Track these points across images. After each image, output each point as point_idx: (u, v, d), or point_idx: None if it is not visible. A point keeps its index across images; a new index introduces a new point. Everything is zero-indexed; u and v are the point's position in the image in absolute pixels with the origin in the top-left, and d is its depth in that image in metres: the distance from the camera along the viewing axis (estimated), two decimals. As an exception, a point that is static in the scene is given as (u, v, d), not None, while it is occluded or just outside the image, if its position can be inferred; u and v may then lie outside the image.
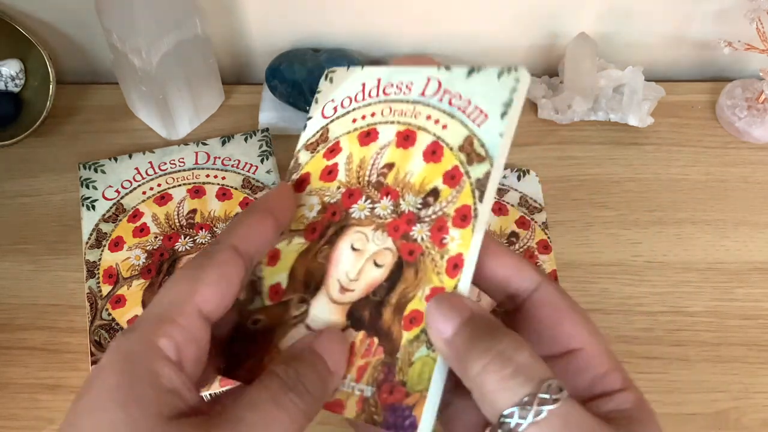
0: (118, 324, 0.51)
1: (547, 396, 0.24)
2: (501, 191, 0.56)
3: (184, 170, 0.59)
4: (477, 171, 0.35)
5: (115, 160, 0.59)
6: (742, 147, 0.62)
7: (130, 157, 0.59)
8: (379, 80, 0.40)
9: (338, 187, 0.38)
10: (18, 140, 0.60)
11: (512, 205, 0.56)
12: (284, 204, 0.33)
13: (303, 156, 0.39)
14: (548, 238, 0.54)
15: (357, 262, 0.36)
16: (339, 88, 0.40)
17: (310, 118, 0.39)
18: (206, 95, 0.62)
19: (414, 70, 0.40)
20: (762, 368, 0.51)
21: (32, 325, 0.53)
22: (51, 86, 0.61)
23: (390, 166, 0.38)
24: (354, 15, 0.63)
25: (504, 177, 0.57)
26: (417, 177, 0.36)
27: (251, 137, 0.60)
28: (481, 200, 0.34)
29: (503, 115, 0.38)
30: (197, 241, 0.55)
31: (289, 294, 0.35)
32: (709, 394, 0.50)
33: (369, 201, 0.37)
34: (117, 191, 0.57)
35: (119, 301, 0.52)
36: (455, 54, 0.66)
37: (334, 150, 0.39)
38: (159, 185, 0.58)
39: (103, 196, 0.57)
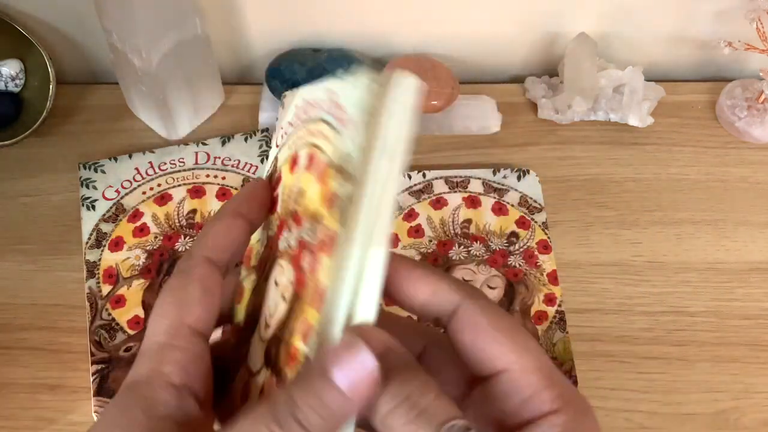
0: (118, 324, 0.51)
1: None
2: (501, 191, 0.57)
3: (184, 170, 0.59)
4: (344, 190, 0.29)
5: (115, 160, 0.59)
6: (742, 147, 0.62)
7: (130, 157, 0.59)
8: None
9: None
10: (18, 140, 0.60)
11: (512, 205, 0.56)
12: (255, 201, 0.32)
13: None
14: (548, 238, 0.54)
15: (275, 297, 0.32)
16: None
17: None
18: (206, 95, 0.62)
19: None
20: (762, 368, 0.51)
21: (32, 325, 0.53)
22: (51, 86, 0.61)
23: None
24: (354, 15, 0.63)
25: (504, 177, 0.57)
26: (311, 200, 0.31)
27: (251, 137, 0.60)
28: (343, 224, 0.28)
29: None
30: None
31: (245, 332, 0.33)
32: (709, 394, 0.50)
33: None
34: (117, 191, 0.57)
35: (119, 301, 0.52)
36: (455, 54, 0.66)
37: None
38: (159, 185, 0.58)
39: (103, 196, 0.57)
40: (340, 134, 0.30)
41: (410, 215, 0.55)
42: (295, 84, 0.61)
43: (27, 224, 0.58)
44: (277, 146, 0.36)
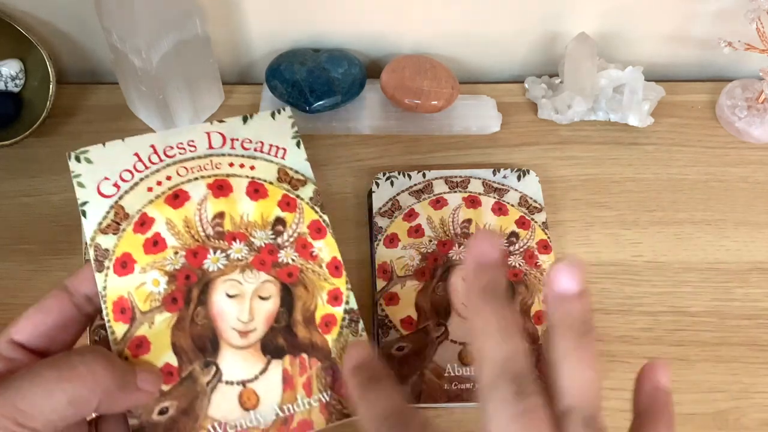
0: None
1: None
2: (501, 191, 0.57)
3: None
4: (305, 192, 0.41)
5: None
6: (742, 147, 0.62)
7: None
8: (153, 147, 0.42)
9: (176, 253, 0.39)
10: (18, 140, 0.60)
11: (512, 205, 0.56)
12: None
13: (105, 240, 0.39)
14: (548, 238, 0.54)
15: (242, 305, 0.38)
16: (104, 165, 0.41)
17: (85, 203, 0.40)
18: (206, 95, 0.62)
19: (186, 129, 0.42)
20: (762, 368, 0.51)
21: (32, 325, 0.53)
22: (51, 86, 0.61)
23: (220, 215, 0.40)
24: (354, 15, 0.63)
25: (504, 177, 0.57)
26: (254, 215, 0.40)
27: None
28: (323, 211, 0.40)
29: (298, 144, 0.42)
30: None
31: (186, 368, 0.37)
32: (709, 394, 0.50)
33: (219, 251, 0.39)
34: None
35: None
36: (455, 54, 0.66)
37: (145, 222, 0.39)
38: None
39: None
40: (259, 158, 0.42)
41: (410, 215, 0.55)
42: (295, 84, 0.61)
43: (27, 224, 0.58)
44: (105, 196, 0.40)
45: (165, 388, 0.36)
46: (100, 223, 0.40)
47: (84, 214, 0.40)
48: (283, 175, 0.42)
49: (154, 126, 0.62)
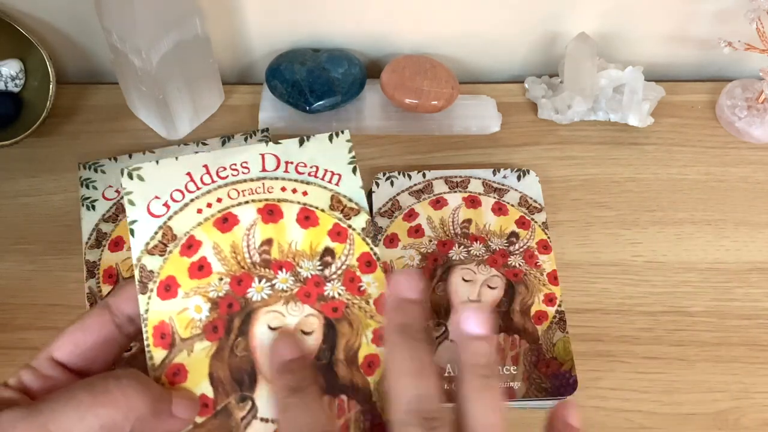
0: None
1: None
2: (501, 191, 0.57)
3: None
4: (358, 222, 0.39)
5: (115, 160, 0.59)
6: (742, 147, 0.62)
7: (130, 156, 0.59)
8: (206, 167, 0.39)
9: (220, 279, 0.37)
10: (18, 140, 0.60)
11: (512, 205, 0.56)
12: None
13: (151, 261, 0.37)
14: (548, 238, 0.54)
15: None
16: (156, 183, 0.39)
17: (134, 221, 0.38)
18: (206, 95, 0.62)
19: (240, 150, 0.40)
20: (762, 368, 0.51)
21: (32, 325, 0.53)
22: (51, 86, 0.61)
23: (268, 242, 0.38)
24: (354, 15, 0.63)
25: (504, 177, 0.57)
26: (303, 243, 0.38)
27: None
28: (375, 244, 0.38)
29: (354, 170, 0.40)
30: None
31: (222, 400, 0.35)
32: (709, 394, 0.50)
33: (264, 280, 0.37)
34: (117, 191, 0.57)
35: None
36: (455, 54, 0.66)
37: (192, 245, 0.38)
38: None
39: (103, 197, 0.57)
40: (312, 184, 0.40)
41: (410, 215, 0.55)
42: (295, 84, 0.61)
43: (27, 224, 0.58)
44: (155, 216, 0.39)
45: (199, 420, 0.35)
46: (148, 243, 0.38)
47: (132, 233, 0.38)
48: (336, 203, 0.40)
49: (154, 126, 0.62)
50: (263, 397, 0.35)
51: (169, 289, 0.37)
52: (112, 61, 0.59)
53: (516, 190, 0.57)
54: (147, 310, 0.37)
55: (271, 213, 0.39)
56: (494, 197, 0.56)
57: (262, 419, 0.35)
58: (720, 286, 0.54)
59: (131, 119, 0.63)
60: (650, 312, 0.53)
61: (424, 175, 0.57)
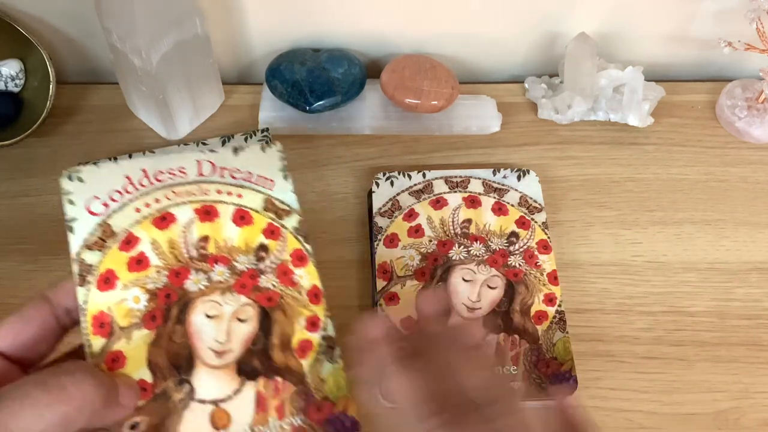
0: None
1: None
2: (501, 191, 0.56)
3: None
4: (290, 222, 0.42)
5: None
6: (742, 147, 0.62)
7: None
8: (144, 171, 0.42)
9: (158, 272, 0.40)
10: (18, 140, 0.60)
11: (512, 205, 0.56)
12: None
13: (90, 256, 0.40)
14: (548, 238, 0.54)
15: (220, 326, 0.39)
16: (95, 185, 0.42)
17: (73, 219, 0.41)
18: (206, 95, 0.62)
19: (177, 156, 0.43)
20: (762, 368, 0.51)
21: (32, 325, 0.53)
22: (51, 86, 0.61)
23: (205, 239, 0.41)
24: (354, 15, 0.63)
25: (504, 177, 0.57)
26: (238, 240, 0.41)
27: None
28: (307, 242, 0.41)
29: (285, 177, 0.43)
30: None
31: (160, 384, 0.37)
32: (709, 394, 0.50)
33: (201, 273, 0.40)
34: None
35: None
36: (455, 54, 0.66)
37: (131, 241, 0.41)
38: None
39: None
40: (246, 188, 0.43)
41: (410, 215, 0.55)
42: (295, 84, 0.61)
43: (27, 224, 0.58)
44: (94, 214, 0.42)
45: (139, 403, 0.37)
46: (87, 239, 0.41)
47: (71, 230, 0.41)
48: (270, 205, 0.43)
49: (154, 126, 0.62)
50: (201, 380, 0.38)
51: (108, 281, 0.40)
52: (112, 61, 0.59)
53: (516, 190, 0.57)
54: (86, 301, 0.39)
55: (207, 213, 0.42)
56: (494, 197, 0.56)
57: (200, 401, 0.37)
58: (720, 286, 0.54)
59: (131, 119, 0.63)
60: (650, 312, 0.53)
61: (424, 175, 0.57)
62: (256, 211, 0.43)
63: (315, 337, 0.40)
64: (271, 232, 0.43)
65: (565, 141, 0.62)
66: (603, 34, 0.64)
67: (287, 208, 0.43)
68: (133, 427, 0.36)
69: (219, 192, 0.43)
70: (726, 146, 0.62)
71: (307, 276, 0.41)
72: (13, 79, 0.62)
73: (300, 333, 0.40)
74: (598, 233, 0.57)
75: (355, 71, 0.62)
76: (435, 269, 0.52)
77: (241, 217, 0.43)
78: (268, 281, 0.41)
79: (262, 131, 0.61)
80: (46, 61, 0.61)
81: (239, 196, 0.43)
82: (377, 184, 0.57)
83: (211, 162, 0.44)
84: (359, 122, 0.62)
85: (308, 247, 0.42)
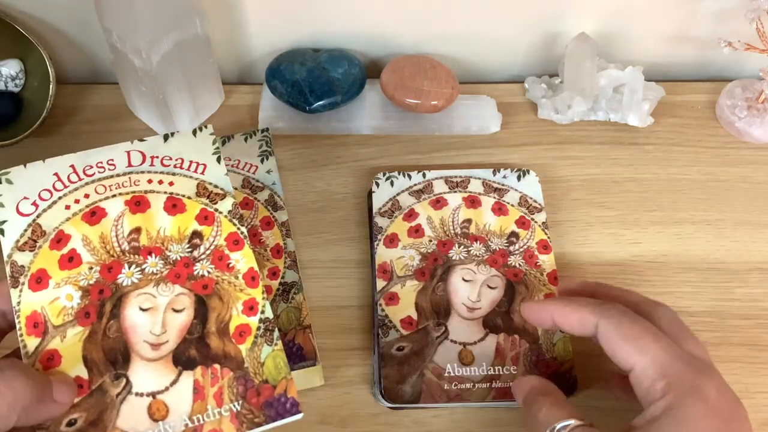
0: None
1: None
2: (501, 191, 0.56)
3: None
4: (224, 206, 0.42)
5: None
6: (742, 147, 0.62)
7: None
8: (73, 166, 0.43)
9: (90, 268, 0.40)
10: (18, 140, 0.60)
11: (512, 205, 0.56)
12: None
13: (21, 257, 0.40)
14: (548, 238, 0.54)
15: (155, 318, 0.39)
16: (24, 185, 0.42)
17: (4, 221, 0.41)
18: (206, 95, 0.62)
19: (107, 149, 0.44)
20: (762, 368, 0.51)
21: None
22: (51, 86, 0.61)
23: (137, 230, 0.41)
24: (354, 15, 0.63)
25: (504, 177, 0.57)
26: (171, 229, 0.41)
27: (251, 137, 0.60)
28: (242, 224, 0.41)
29: (218, 160, 0.43)
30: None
31: (97, 380, 0.38)
32: (709, 394, 0.50)
33: (134, 266, 0.40)
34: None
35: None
36: (455, 54, 0.66)
37: (61, 239, 0.41)
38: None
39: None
40: (178, 174, 0.42)
41: (410, 215, 0.55)
42: (295, 84, 0.61)
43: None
44: (24, 215, 0.41)
45: (75, 399, 0.37)
46: (17, 241, 0.41)
47: (2, 232, 0.41)
48: (202, 190, 0.43)
49: (154, 126, 0.62)
50: (137, 374, 0.38)
51: (40, 281, 0.40)
52: (112, 61, 0.59)
53: (516, 190, 0.57)
54: (19, 302, 0.39)
55: (138, 204, 0.43)
56: (494, 197, 0.56)
57: (137, 394, 0.37)
58: (720, 286, 0.54)
59: (131, 119, 0.63)
60: (650, 312, 0.53)
61: (424, 175, 0.57)
62: (189, 198, 0.43)
63: (253, 321, 0.40)
64: (205, 217, 0.42)
65: (565, 141, 0.62)
66: (603, 34, 0.64)
67: (221, 192, 0.43)
68: (70, 423, 0.36)
69: (150, 182, 0.43)
70: (726, 146, 0.62)
71: (244, 259, 0.41)
72: (13, 79, 0.62)
73: (237, 318, 0.39)
74: (598, 233, 0.57)
75: (355, 71, 0.62)
76: (435, 269, 0.52)
77: (174, 205, 0.43)
78: (203, 268, 0.41)
79: (262, 131, 0.61)
80: (46, 61, 0.61)
81: (171, 183, 0.43)
82: (377, 184, 0.57)
83: (141, 152, 0.45)
84: (359, 122, 0.62)
85: (243, 230, 0.42)
